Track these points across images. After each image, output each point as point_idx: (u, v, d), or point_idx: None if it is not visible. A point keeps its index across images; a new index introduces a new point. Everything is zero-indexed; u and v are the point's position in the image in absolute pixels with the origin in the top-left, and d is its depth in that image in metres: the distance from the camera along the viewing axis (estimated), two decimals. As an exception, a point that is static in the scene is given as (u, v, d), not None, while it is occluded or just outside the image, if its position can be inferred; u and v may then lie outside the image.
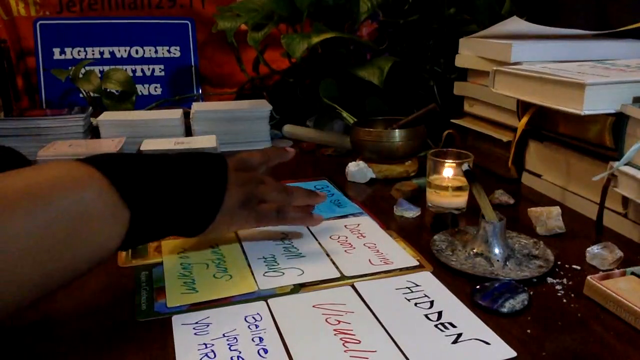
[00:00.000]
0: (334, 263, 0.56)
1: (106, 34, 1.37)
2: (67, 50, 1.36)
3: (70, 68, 1.25)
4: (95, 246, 0.42)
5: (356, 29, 1.06)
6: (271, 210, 0.58)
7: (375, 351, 0.41)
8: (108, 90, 1.23)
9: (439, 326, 0.45)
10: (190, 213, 0.50)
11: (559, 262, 0.56)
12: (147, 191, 0.45)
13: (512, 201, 0.72)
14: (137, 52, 1.39)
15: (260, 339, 0.43)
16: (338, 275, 0.53)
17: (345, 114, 0.98)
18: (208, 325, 0.45)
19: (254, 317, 0.46)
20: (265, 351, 0.41)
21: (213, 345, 0.42)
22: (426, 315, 0.46)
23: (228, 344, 0.42)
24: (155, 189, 0.46)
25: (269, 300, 0.48)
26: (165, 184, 0.47)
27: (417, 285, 0.51)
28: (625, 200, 0.61)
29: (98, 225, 0.41)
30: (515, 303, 0.47)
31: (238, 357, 0.41)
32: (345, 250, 0.59)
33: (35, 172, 0.41)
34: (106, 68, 1.31)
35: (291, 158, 0.65)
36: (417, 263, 0.56)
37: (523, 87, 0.69)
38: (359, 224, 0.66)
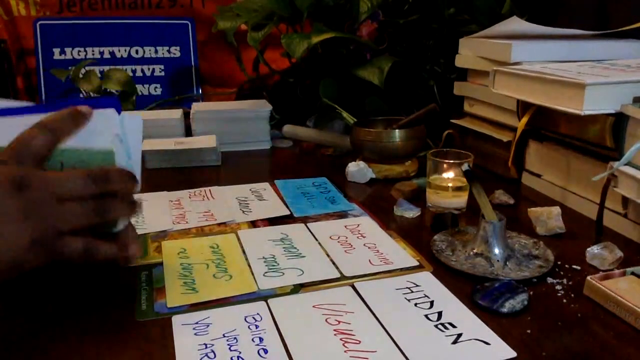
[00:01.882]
0: (334, 263, 0.56)
1: (106, 34, 1.37)
2: (67, 50, 1.36)
3: (70, 68, 1.25)
4: None
5: (356, 29, 1.06)
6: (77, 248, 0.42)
7: (375, 351, 0.41)
8: (108, 90, 1.23)
9: (439, 326, 0.45)
10: None
11: (559, 262, 0.56)
12: None
13: (512, 201, 0.72)
14: (137, 52, 1.39)
15: (260, 339, 0.43)
16: (338, 275, 0.53)
17: (345, 114, 0.98)
18: (208, 326, 0.45)
19: (254, 317, 0.46)
20: (265, 351, 0.41)
21: (213, 345, 0.42)
22: (426, 316, 0.46)
23: (228, 344, 0.42)
24: None
25: (269, 300, 0.48)
26: None
27: (417, 286, 0.51)
28: (625, 200, 0.61)
29: None
30: (515, 303, 0.47)
31: (238, 357, 0.41)
32: (345, 251, 0.59)
33: None
34: (106, 68, 1.31)
35: (87, 118, 0.44)
36: (417, 263, 0.56)
37: (523, 87, 0.69)
38: (359, 224, 0.66)
